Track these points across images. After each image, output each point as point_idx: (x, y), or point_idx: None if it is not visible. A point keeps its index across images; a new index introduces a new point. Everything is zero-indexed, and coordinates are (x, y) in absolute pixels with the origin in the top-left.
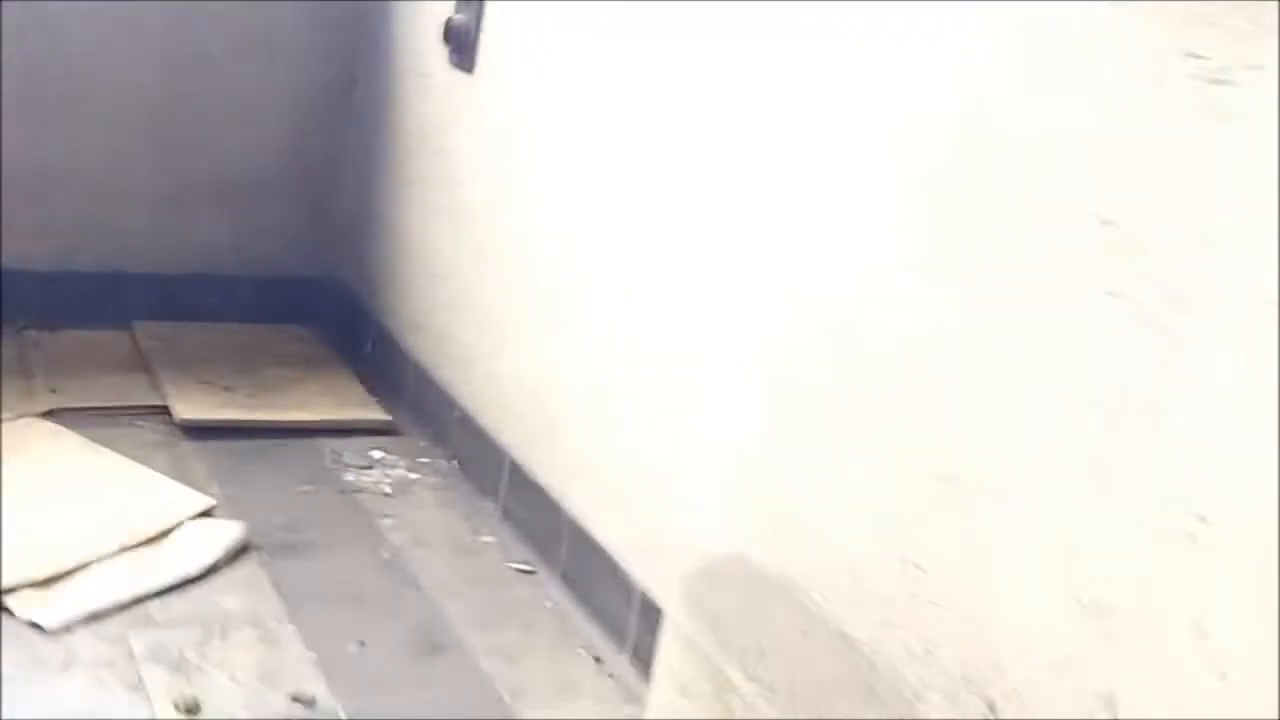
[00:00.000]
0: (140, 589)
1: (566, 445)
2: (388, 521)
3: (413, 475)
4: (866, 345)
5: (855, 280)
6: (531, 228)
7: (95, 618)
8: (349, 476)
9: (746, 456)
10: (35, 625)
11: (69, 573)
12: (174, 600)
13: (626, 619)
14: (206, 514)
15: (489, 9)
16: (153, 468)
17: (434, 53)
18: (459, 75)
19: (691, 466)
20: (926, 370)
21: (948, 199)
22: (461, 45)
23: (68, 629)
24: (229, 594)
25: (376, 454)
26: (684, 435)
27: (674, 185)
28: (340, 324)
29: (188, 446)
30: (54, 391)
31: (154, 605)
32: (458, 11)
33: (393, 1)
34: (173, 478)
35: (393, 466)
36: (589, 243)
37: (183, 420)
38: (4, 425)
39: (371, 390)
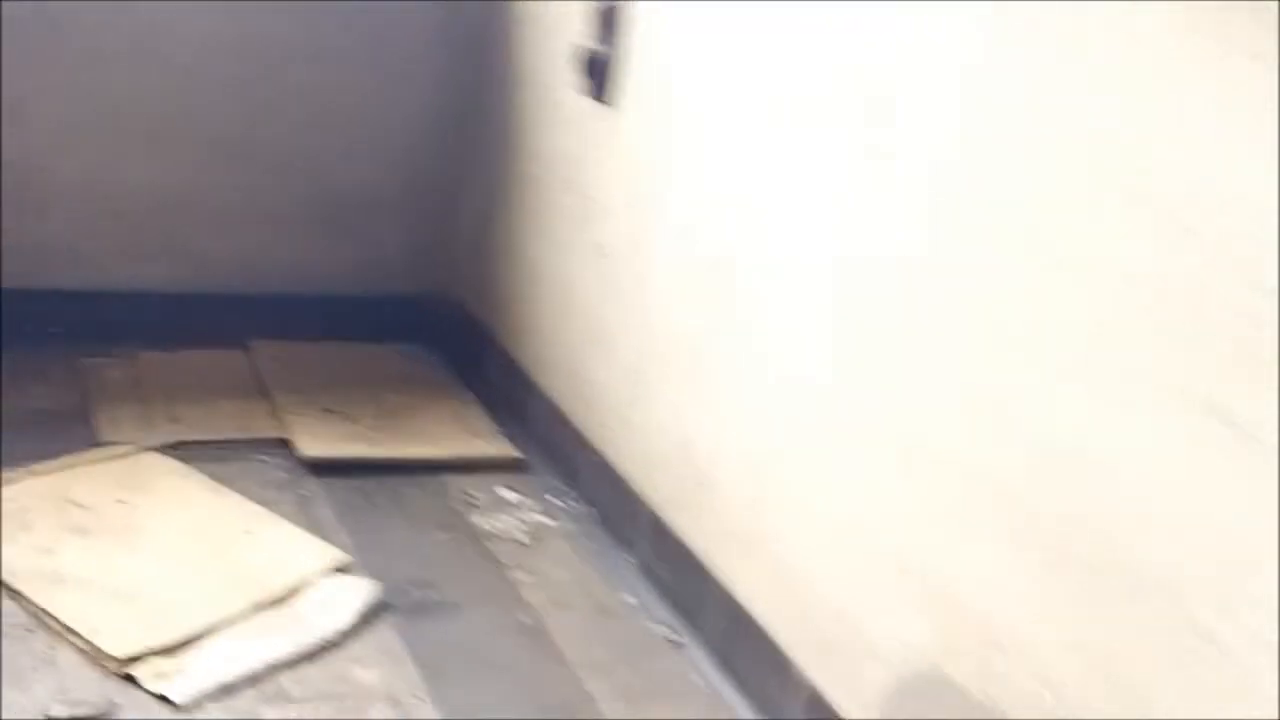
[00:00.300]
0: (272, 657)
1: (719, 510)
2: (524, 576)
3: (547, 521)
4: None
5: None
6: (676, 270)
7: (226, 690)
8: (481, 521)
9: (937, 563)
10: (164, 699)
11: (198, 637)
12: (307, 670)
13: (790, 710)
14: (339, 568)
15: (630, 41)
16: (279, 511)
17: (568, 82)
18: (596, 107)
19: (874, 563)
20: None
21: None
22: (600, 77)
23: (198, 703)
24: (364, 664)
25: (507, 494)
26: (861, 526)
27: (849, 228)
28: (458, 346)
29: (313, 485)
30: (174, 420)
31: (286, 676)
32: (596, 41)
33: (523, 26)
34: (300, 522)
35: (525, 510)
36: (740, 290)
37: (307, 457)
38: (127, 460)
39: (494, 419)
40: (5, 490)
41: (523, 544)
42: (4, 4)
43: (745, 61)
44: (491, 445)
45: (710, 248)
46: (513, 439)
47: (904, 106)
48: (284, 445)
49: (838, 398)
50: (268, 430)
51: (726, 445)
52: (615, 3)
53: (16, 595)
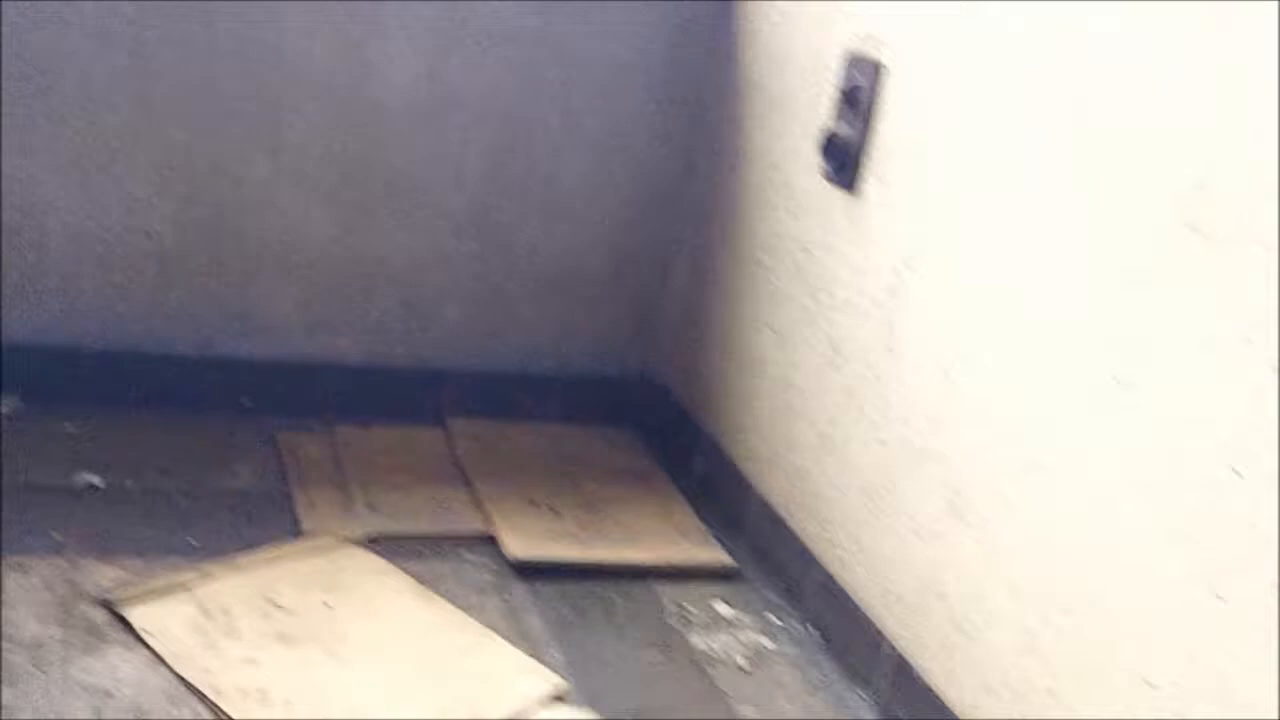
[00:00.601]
0: None
1: (980, 659)
2: (751, 712)
3: (766, 643)
4: None
5: None
6: (926, 376)
7: None
8: (697, 641)
9: None
10: None
11: None
12: None
13: None
14: (558, 696)
15: (880, 123)
16: (486, 620)
17: (801, 162)
18: (835, 192)
19: None
20: None
21: None
22: (843, 160)
23: None
24: None
25: (722, 609)
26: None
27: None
28: (662, 432)
29: (520, 591)
30: (373, 509)
31: None
32: (838, 121)
33: (750, 103)
34: (510, 635)
35: (743, 629)
36: (1010, 400)
37: (515, 559)
38: (329, 555)
39: (703, 517)
40: (209, 587)
41: (744, 670)
42: (219, 62)
43: (1020, 147)
44: (703, 550)
45: (971, 351)
46: (724, 542)
47: (1233, 202)
48: (487, 541)
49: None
50: (470, 523)
51: (989, 585)
52: (861, 82)
53: (220, 714)
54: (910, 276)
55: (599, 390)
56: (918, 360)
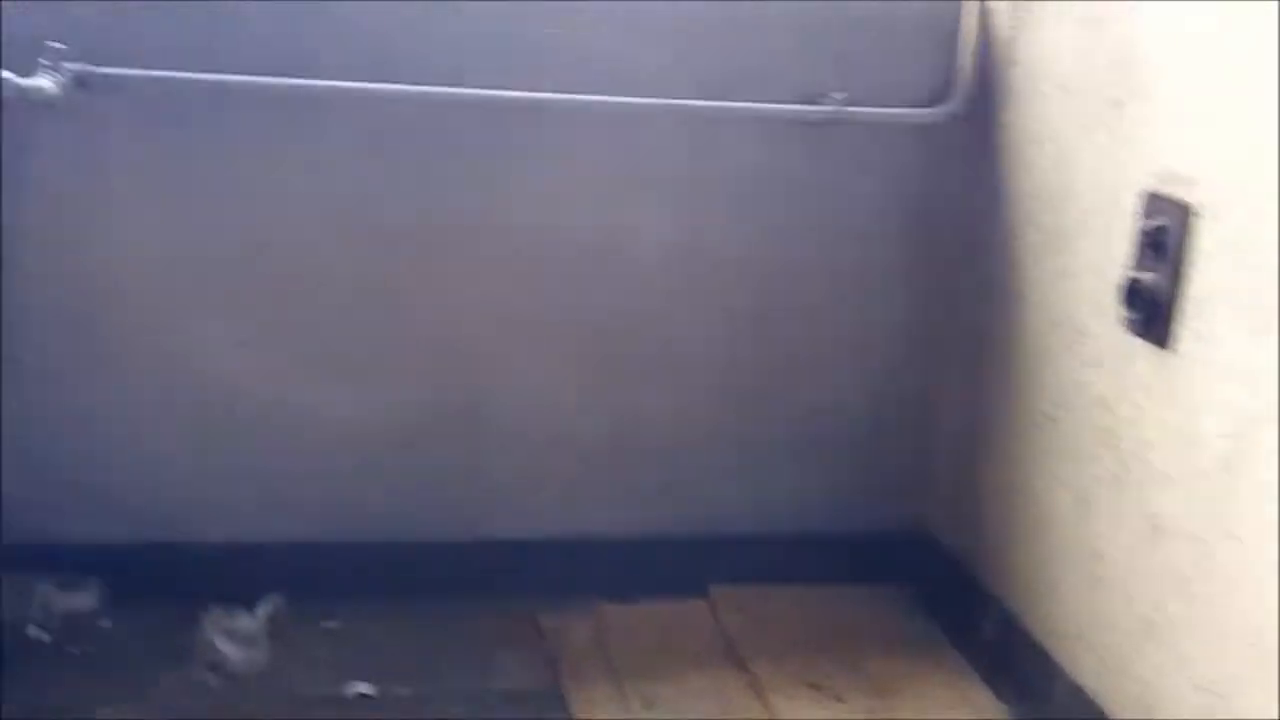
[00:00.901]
0: None
1: None
2: None
3: None
4: None
5: None
6: (1275, 572)
7: None
8: None
9: None
10: None
11: None
12: None
13: None
14: None
15: (1193, 271)
16: None
17: (1094, 307)
18: (1141, 344)
19: None
20: None
21: None
22: (1151, 311)
23: None
24: None
25: None
26: None
27: None
28: (939, 590)
29: None
30: (647, 704)
31: None
32: (1140, 267)
33: (1032, 242)
34: None
35: None
36: None
37: None
38: None
39: (999, 694)
40: None
41: None
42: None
43: None
44: None
45: None
46: None
47: None
48: None
49: None
50: (753, 714)
51: None
52: (1165, 224)
53: None
54: (1250, 448)
55: (867, 547)
56: (1261, 546)
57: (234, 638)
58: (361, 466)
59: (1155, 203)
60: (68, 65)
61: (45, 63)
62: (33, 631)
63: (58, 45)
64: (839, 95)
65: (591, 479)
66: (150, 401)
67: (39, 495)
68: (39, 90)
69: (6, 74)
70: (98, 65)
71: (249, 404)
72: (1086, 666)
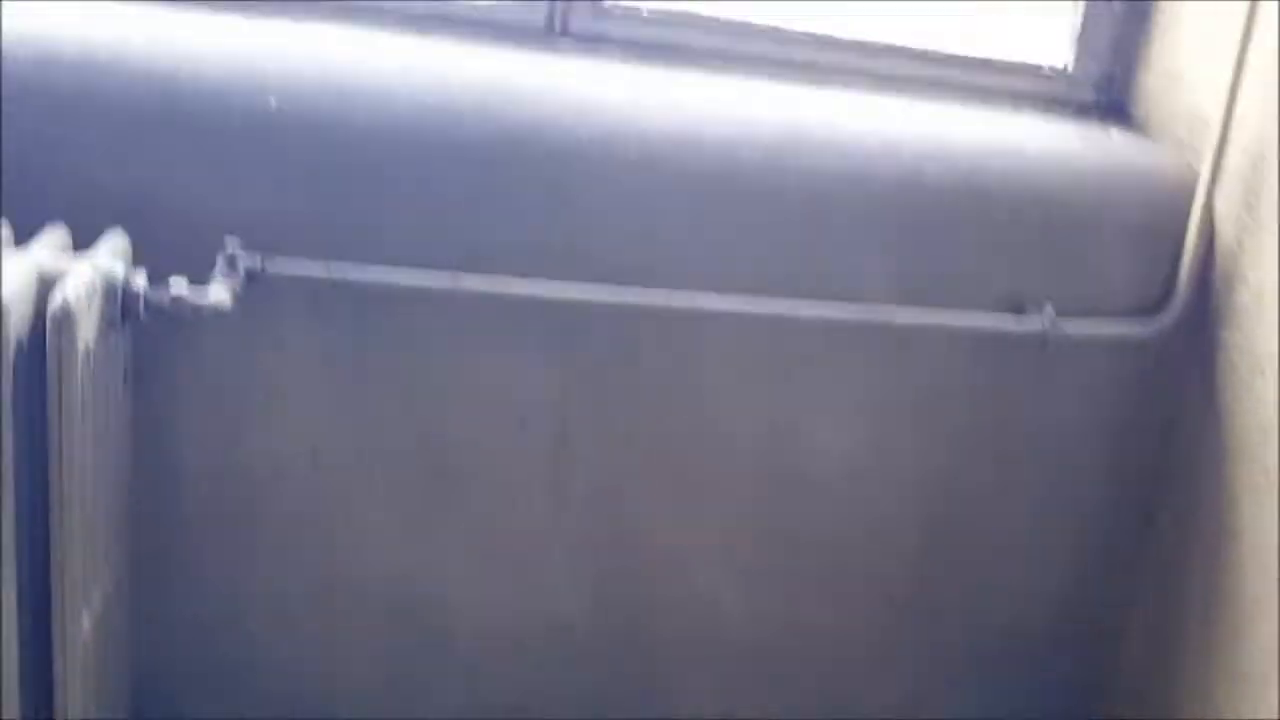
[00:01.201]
0: None
1: None
2: None
3: None
4: None
5: None
6: None
7: None
8: None
9: None
10: None
11: None
12: None
13: None
14: None
15: None
16: None
17: None
18: None
19: None
20: None
21: None
22: None
23: None
24: None
25: None
26: None
27: None
28: None
29: None
30: None
31: None
32: None
33: (1245, 477)
34: None
35: None
36: None
37: None
38: None
39: None
40: None
41: None
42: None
43: None
44: None
45: None
46: None
47: None
48: None
49: None
50: None
51: None
52: None
53: None
54: None
55: None
56: None
57: None
58: (516, 667)
59: None
60: (242, 261)
61: (221, 268)
62: None
63: (234, 242)
64: (1046, 307)
65: (754, 686)
66: (302, 595)
67: (180, 685)
68: (218, 305)
69: (184, 290)
70: (268, 255)
71: (407, 596)
72: None
